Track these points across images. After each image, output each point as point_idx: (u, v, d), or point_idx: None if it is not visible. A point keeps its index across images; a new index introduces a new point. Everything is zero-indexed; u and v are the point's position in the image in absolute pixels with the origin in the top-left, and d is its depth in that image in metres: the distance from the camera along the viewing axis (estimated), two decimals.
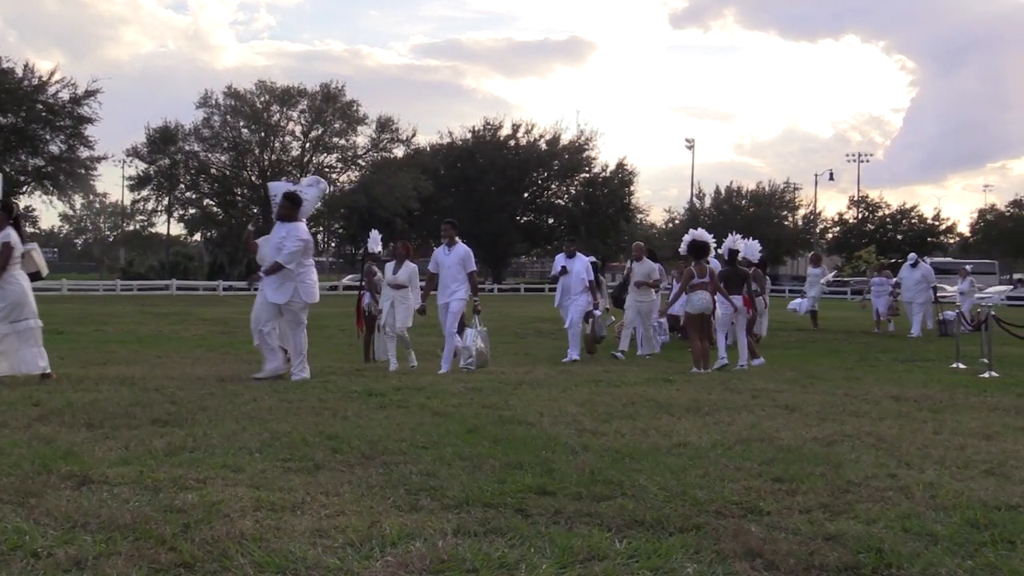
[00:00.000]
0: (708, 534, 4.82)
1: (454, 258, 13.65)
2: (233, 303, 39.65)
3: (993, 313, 14.66)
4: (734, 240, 15.23)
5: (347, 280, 60.44)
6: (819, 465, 6.48)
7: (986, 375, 13.13)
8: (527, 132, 78.77)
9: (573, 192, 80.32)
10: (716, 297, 13.92)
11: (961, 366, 14.51)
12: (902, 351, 18.07)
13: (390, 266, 14.12)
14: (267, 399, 9.53)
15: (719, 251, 15.03)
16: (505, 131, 78.44)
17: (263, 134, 66.89)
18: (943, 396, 10.64)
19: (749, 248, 16.67)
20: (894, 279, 25.50)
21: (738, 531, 4.82)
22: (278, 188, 12.63)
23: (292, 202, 12.04)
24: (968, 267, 30.17)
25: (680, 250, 15.09)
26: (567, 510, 5.25)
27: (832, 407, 9.61)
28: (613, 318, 18.22)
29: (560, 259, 16.57)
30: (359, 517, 5.02)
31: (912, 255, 25.33)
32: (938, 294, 24.54)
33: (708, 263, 14.12)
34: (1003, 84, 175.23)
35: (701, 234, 14.51)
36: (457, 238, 13.83)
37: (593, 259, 17.10)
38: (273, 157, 67.61)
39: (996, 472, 6.45)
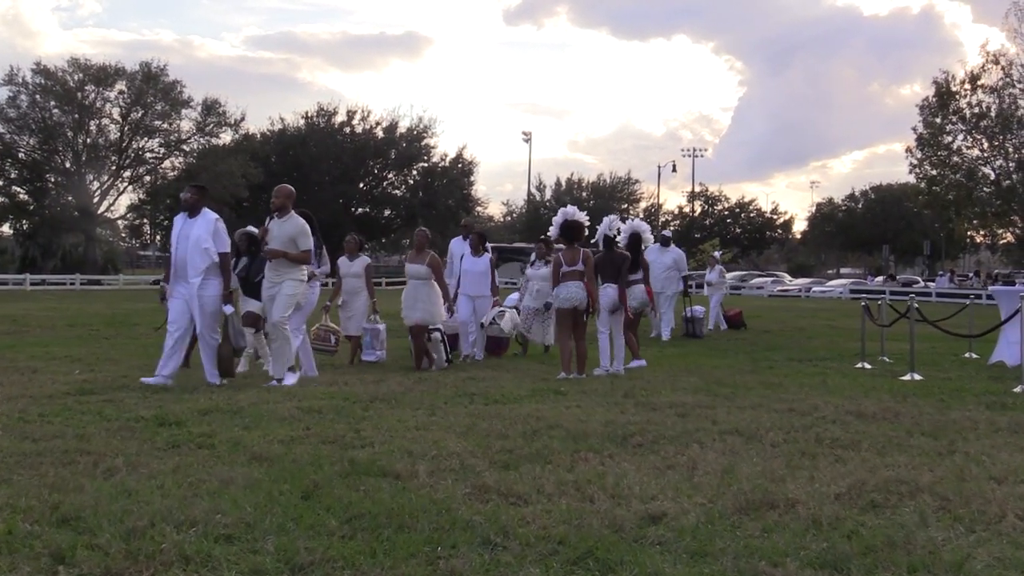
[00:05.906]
0: None
1: None
2: (40, 299, 35.53)
3: (916, 305, 12.66)
4: (611, 222, 12.68)
5: None
6: (916, 569, 3.81)
7: (907, 377, 11.37)
8: (363, 119, 75.07)
9: (411, 182, 76.95)
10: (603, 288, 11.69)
11: (867, 366, 12.71)
12: (789, 349, 15.93)
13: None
14: (2, 439, 6.48)
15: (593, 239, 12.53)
16: (340, 117, 74.72)
17: (77, 116, 61.36)
18: (909, 411, 8.37)
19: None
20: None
21: None
22: None
23: None
24: (717, 254, 24.21)
25: (550, 233, 12.54)
26: None
27: (796, 432, 7.12)
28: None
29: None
30: None
31: (665, 232, 19.79)
32: (688, 285, 19.09)
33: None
34: (824, 85, 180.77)
35: (573, 212, 11.95)
36: None
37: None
38: (89, 141, 62.18)
39: None
